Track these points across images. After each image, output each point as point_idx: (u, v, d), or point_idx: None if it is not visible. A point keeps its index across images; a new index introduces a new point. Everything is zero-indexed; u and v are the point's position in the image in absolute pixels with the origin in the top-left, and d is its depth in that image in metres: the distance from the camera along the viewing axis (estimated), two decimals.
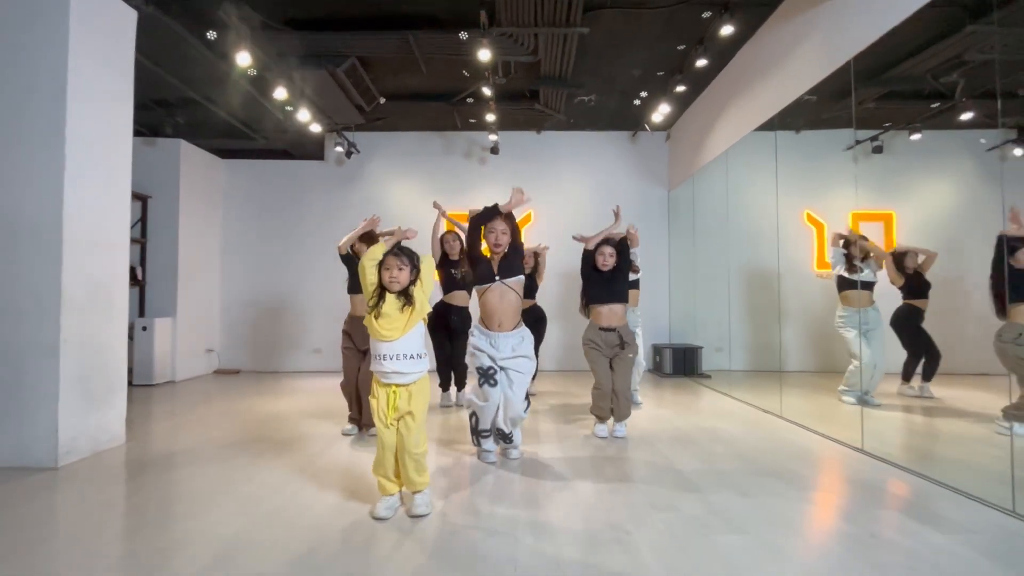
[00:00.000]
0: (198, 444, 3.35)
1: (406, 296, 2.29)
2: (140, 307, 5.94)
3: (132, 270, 5.78)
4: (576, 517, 2.21)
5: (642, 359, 4.64)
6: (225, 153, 6.82)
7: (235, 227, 6.94)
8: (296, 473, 2.77)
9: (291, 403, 4.73)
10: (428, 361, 2.34)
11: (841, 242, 4.23)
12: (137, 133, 5.90)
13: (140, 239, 5.94)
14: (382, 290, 2.28)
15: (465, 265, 4.27)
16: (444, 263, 4.38)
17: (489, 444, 2.99)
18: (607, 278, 3.49)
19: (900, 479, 2.69)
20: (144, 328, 5.66)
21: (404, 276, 2.25)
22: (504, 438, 3.00)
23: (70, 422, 2.94)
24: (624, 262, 3.52)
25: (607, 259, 3.46)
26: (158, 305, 6.00)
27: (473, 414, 2.97)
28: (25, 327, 2.87)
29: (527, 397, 2.99)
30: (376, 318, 2.25)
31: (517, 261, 2.96)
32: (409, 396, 2.27)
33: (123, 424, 3.35)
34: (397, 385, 2.25)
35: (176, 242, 6.04)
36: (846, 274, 4.18)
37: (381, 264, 2.26)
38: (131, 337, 5.74)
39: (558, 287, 6.59)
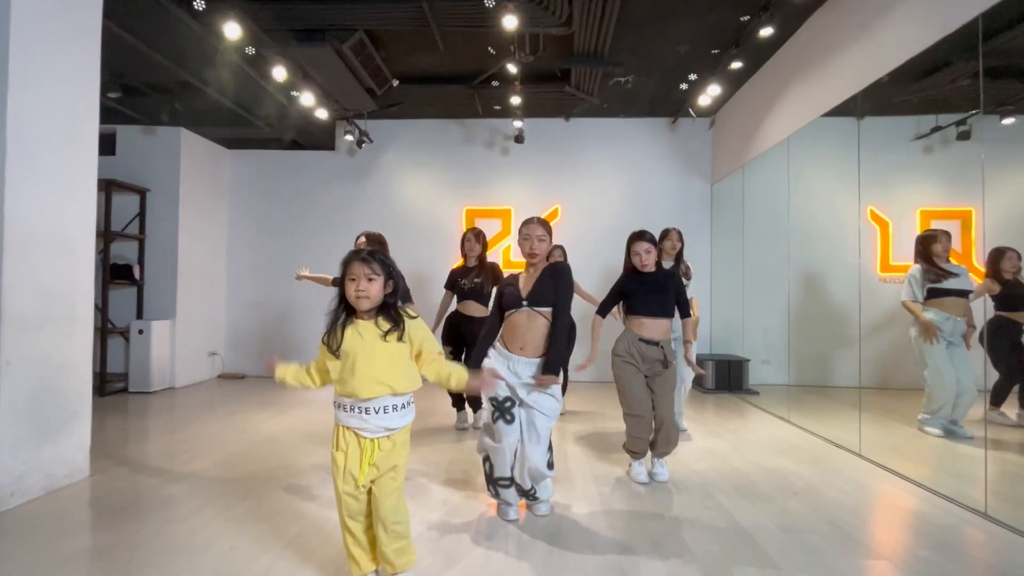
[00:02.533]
0: (172, 480, 2.86)
1: (388, 317, 1.68)
2: (138, 308, 5.54)
3: (129, 268, 5.39)
4: None
5: (686, 375, 3.99)
6: (231, 143, 6.36)
7: (241, 222, 6.48)
8: (274, 535, 2.23)
9: (289, 421, 4.24)
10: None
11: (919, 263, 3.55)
12: (134, 121, 5.49)
13: (138, 235, 5.53)
14: (346, 314, 1.70)
15: (477, 275, 3.76)
16: (453, 274, 3.95)
17: (510, 495, 2.38)
18: (652, 283, 2.82)
19: None
20: (140, 331, 5.25)
21: (376, 289, 1.64)
22: (525, 494, 2.41)
23: (16, 457, 2.48)
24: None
25: (644, 257, 2.79)
26: (157, 306, 5.58)
27: (487, 458, 2.40)
28: None
29: (550, 446, 2.40)
30: (337, 359, 1.65)
31: (550, 297, 2.35)
32: (392, 446, 1.69)
33: (87, 454, 2.88)
34: (378, 438, 1.68)
35: (176, 238, 5.60)
36: (929, 284, 3.47)
37: (345, 277, 1.67)
38: (127, 340, 5.36)
39: (592, 285, 5.97)
